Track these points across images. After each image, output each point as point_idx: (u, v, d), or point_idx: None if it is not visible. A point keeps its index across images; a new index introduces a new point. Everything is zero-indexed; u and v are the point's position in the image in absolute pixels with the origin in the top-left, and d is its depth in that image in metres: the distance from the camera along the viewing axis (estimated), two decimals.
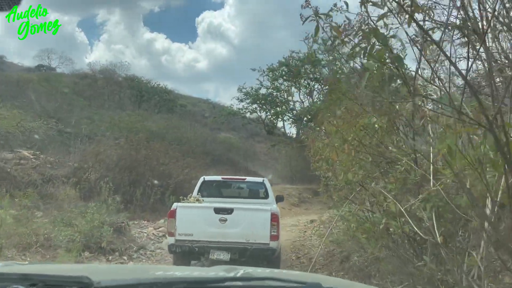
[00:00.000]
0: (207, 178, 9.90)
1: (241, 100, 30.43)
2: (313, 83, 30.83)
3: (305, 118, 31.24)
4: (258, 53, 58.45)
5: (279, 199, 10.02)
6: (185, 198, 9.33)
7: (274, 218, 7.60)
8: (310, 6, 3.71)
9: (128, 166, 16.76)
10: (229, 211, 7.59)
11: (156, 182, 16.43)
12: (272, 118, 31.24)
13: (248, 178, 10.73)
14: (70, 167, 16.60)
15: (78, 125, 21.92)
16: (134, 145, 17.42)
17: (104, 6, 69.73)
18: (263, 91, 30.51)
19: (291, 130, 32.29)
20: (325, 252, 9.89)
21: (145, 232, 12.70)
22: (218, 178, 10.14)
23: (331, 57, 31.04)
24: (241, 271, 1.68)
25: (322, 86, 30.66)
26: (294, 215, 22.52)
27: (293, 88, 31.12)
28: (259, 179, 10.37)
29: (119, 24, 73.64)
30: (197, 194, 9.28)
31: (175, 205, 7.89)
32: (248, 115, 31.23)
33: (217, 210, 7.61)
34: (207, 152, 29.41)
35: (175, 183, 17.35)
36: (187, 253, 7.56)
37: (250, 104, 30.69)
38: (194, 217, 7.76)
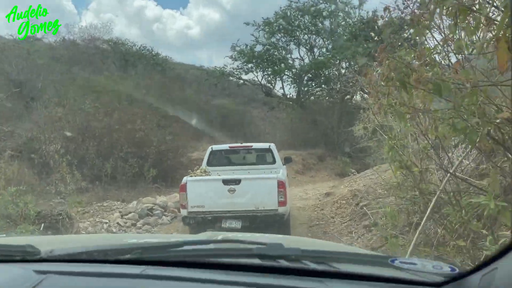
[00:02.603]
0: (215, 147, 9.90)
1: (235, 59, 26.33)
2: (314, 36, 26.65)
3: (306, 77, 27.31)
4: (252, 19, 53.49)
5: (287, 160, 10.01)
6: (192, 171, 9.27)
7: (281, 185, 7.56)
8: None
9: (96, 134, 13.00)
10: (237, 181, 7.61)
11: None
12: (269, 78, 27.20)
13: (255, 145, 10.21)
14: (23, 138, 12.81)
15: (45, 91, 17.93)
16: (104, 109, 13.60)
17: None
18: (258, 48, 26.40)
19: (291, 91, 28.29)
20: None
21: (106, 222, 9.03)
22: (226, 146, 10.10)
23: (333, 7, 27.12)
24: (220, 237, 1.60)
25: (325, 40, 26.58)
26: (299, 184, 18.97)
27: (292, 44, 26.95)
28: (266, 145, 9.90)
29: None
30: (206, 165, 9.40)
31: (185, 179, 7.84)
32: (243, 75, 27.16)
33: (226, 182, 7.62)
34: (199, 118, 25.64)
35: (156, 153, 13.63)
36: (200, 223, 7.54)
37: (245, 63, 26.60)
38: (204, 190, 7.71)
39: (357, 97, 28.44)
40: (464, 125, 2.73)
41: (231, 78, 27.95)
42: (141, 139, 13.52)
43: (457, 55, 3.00)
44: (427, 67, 2.79)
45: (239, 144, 10.41)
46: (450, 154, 4.65)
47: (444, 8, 2.99)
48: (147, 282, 1.19)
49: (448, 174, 3.61)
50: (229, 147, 10.04)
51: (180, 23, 72.29)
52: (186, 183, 7.63)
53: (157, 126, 14.57)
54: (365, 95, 28.59)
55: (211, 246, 1.45)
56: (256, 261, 1.26)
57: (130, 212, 9.65)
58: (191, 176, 8.62)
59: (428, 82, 2.63)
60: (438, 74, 2.55)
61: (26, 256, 1.26)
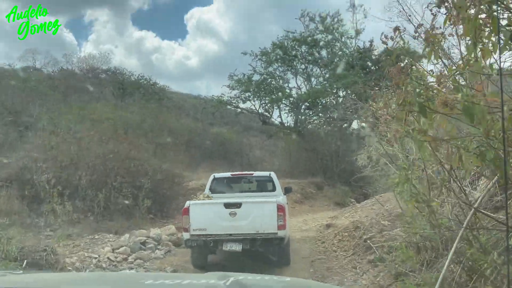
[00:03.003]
0: (217, 175, 10.08)
1: (233, 88, 26.15)
2: (311, 66, 26.63)
3: (303, 106, 27.14)
4: (249, 49, 53.88)
5: (287, 190, 10.05)
6: (195, 196, 9.84)
7: (280, 209, 7.65)
8: None
9: (90, 163, 12.55)
10: (238, 205, 7.73)
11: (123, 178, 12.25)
12: (267, 107, 26.97)
13: (256, 173, 10.68)
14: (15, 167, 12.34)
15: (40, 120, 17.60)
16: (99, 138, 13.21)
17: (91, 6, 65.00)
18: (256, 77, 26.30)
19: (288, 120, 28.02)
20: None
21: (95, 257, 8.47)
22: (228, 174, 10.41)
23: (330, 37, 27.26)
24: (232, 278, 1.61)
25: (322, 69, 26.57)
26: (299, 213, 18.44)
27: (289, 73, 26.87)
28: (266, 173, 10.18)
29: (108, 24, 69.28)
30: (208, 191, 9.56)
31: (188, 203, 8.01)
32: (241, 104, 26.93)
33: (227, 205, 7.75)
34: (196, 146, 25.27)
35: (151, 183, 13.14)
36: (202, 246, 7.67)
37: (243, 92, 26.43)
38: (206, 213, 7.87)
39: (354, 125, 28.34)
40: (494, 155, 2.36)
41: (228, 106, 27.74)
42: (136, 169, 13.05)
43: (480, 75, 2.65)
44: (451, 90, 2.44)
45: (240, 172, 10.87)
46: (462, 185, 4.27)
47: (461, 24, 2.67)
48: None
49: (472, 210, 3.21)
50: (231, 174, 10.37)
51: (179, 53, 73.21)
52: (189, 206, 7.79)
53: (153, 155, 14.14)
54: (363, 124, 28.35)
55: None
56: None
57: (121, 246, 9.10)
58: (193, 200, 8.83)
59: (455, 107, 2.27)
60: (467, 96, 2.19)
61: None
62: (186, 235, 7.70)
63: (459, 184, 3.40)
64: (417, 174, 3.57)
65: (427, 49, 3.02)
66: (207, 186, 9.76)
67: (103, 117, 17.36)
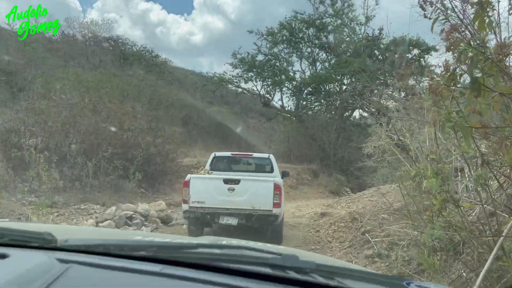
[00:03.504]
0: (218, 154, 10.30)
1: (236, 67, 25.40)
2: (317, 50, 25.85)
3: (305, 90, 26.44)
4: (255, 29, 52.73)
5: (284, 174, 10.14)
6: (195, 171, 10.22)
7: (277, 188, 7.84)
8: None
9: (81, 131, 11.94)
10: (237, 181, 7.94)
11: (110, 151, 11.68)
12: (269, 89, 26.26)
13: (255, 154, 10.81)
14: (2, 129, 11.71)
15: (34, 83, 16.88)
16: (92, 105, 12.55)
17: None
18: (260, 58, 25.51)
19: (289, 104, 27.35)
20: None
21: None
22: (228, 154, 10.58)
23: (339, 21, 26.39)
24: (224, 241, 1.64)
25: (328, 54, 25.79)
26: (292, 199, 18.00)
27: (294, 56, 26.08)
28: (265, 155, 10.32)
29: None
30: (209, 167, 9.71)
31: (188, 176, 8.19)
32: (242, 84, 26.20)
33: (226, 181, 7.95)
34: (193, 123, 24.64)
35: (143, 157, 12.56)
36: (199, 218, 7.91)
37: (246, 72, 25.67)
38: (206, 187, 8.02)
39: (356, 114, 27.75)
40: None
41: (230, 85, 27.01)
42: (128, 140, 12.44)
43: None
44: None
45: (240, 153, 11.18)
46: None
47: None
48: (165, 281, 1.19)
49: None
50: (231, 154, 10.58)
51: (184, 28, 71.82)
52: (190, 179, 7.97)
53: (148, 128, 13.51)
54: (364, 114, 27.80)
55: (226, 251, 1.42)
56: (268, 270, 1.23)
57: (106, 220, 8.57)
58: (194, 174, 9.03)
59: None
60: None
61: (44, 243, 1.27)
62: (185, 207, 7.92)
63: (499, 183, 2.84)
64: (447, 167, 3.02)
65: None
66: (208, 163, 9.94)
67: (100, 85, 16.64)
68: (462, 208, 3.01)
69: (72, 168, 11.52)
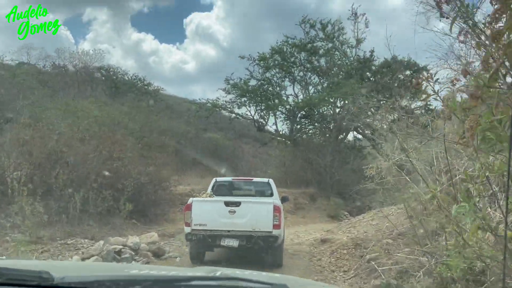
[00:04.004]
0: (219, 179, 10.47)
1: (228, 92, 25.12)
2: (310, 74, 25.72)
3: (299, 114, 26.16)
4: (246, 61, 53.01)
5: (284, 199, 10.31)
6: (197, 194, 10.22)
7: (276, 209, 7.96)
8: None
9: (68, 161, 11.40)
10: (237, 204, 8.09)
11: (106, 173, 11.15)
12: (263, 113, 25.93)
13: (255, 179, 11.11)
14: None
15: (22, 113, 16.40)
16: (80, 134, 12.07)
17: (91, 4, 63.76)
18: (253, 83, 25.30)
19: (283, 128, 26.99)
20: None
21: None
22: (229, 179, 10.85)
23: (330, 45, 26.37)
24: (219, 272, 1.63)
25: (320, 77, 25.65)
26: (290, 224, 17.38)
27: (286, 81, 25.91)
28: (265, 180, 10.55)
29: (106, 23, 68.02)
30: (210, 191, 9.72)
31: (190, 199, 8.39)
32: (236, 109, 25.87)
33: (227, 203, 8.10)
34: (187, 151, 24.12)
35: (134, 186, 12.00)
36: (201, 240, 7.97)
37: (239, 97, 25.40)
38: (207, 210, 8.17)
39: (350, 137, 27.43)
40: None
41: (223, 111, 26.67)
42: (118, 169, 11.90)
43: None
44: None
45: (241, 178, 11.54)
46: None
47: None
48: None
49: None
50: (232, 179, 10.86)
51: (176, 57, 72.23)
52: (192, 202, 8.16)
53: (139, 156, 12.99)
54: (359, 135, 27.45)
55: (220, 282, 1.46)
56: None
57: (92, 255, 7.94)
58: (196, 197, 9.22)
59: None
60: None
61: (41, 282, 1.29)
62: (187, 229, 8.04)
63: None
64: (478, 188, 2.56)
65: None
66: (209, 188, 10.08)
67: (90, 114, 16.18)
68: (497, 237, 2.53)
69: (58, 200, 10.92)
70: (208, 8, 77.38)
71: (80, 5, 63.95)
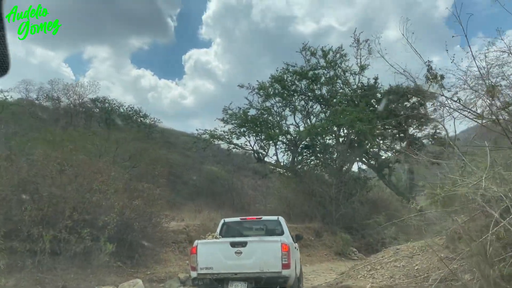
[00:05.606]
0: (227, 220, 10.08)
1: (227, 122, 23.53)
2: (311, 103, 24.22)
3: (301, 144, 24.49)
4: (245, 91, 52.09)
5: (298, 238, 10.03)
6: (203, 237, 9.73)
7: (285, 248, 7.49)
8: None
9: (38, 194, 9.55)
10: (244, 244, 7.68)
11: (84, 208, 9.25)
12: (262, 144, 24.24)
13: (264, 217, 10.37)
14: None
15: (7, 144, 14.70)
16: (56, 163, 10.28)
17: (92, 43, 63.34)
18: (252, 112, 23.76)
19: (284, 159, 25.19)
20: None
21: None
22: (237, 219, 10.43)
23: (332, 73, 25.06)
24: None
25: (322, 106, 24.14)
26: None
27: (287, 110, 24.38)
28: (274, 217, 9.90)
29: (107, 61, 67.68)
30: (218, 234, 9.33)
31: (196, 242, 7.99)
32: (234, 140, 24.18)
33: (233, 244, 7.71)
34: (182, 184, 22.25)
35: (117, 223, 10.09)
36: (208, 285, 7.61)
37: (237, 127, 23.79)
38: (213, 252, 7.77)
39: (355, 168, 25.65)
40: None
41: (221, 142, 24.95)
42: (99, 203, 10.04)
43: None
44: None
45: (249, 217, 10.90)
46: None
47: None
48: None
49: None
50: (240, 219, 10.37)
51: (175, 92, 71.51)
52: (197, 245, 7.74)
53: (124, 189, 11.14)
54: (363, 166, 25.57)
55: None
56: None
57: None
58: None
59: None
60: None
61: None
62: (193, 274, 7.69)
63: None
64: None
65: None
66: (218, 230, 9.61)
67: (78, 145, 14.39)
68: None
69: (24, 241, 8.98)
70: (207, 44, 77.47)
71: (81, 43, 63.59)
